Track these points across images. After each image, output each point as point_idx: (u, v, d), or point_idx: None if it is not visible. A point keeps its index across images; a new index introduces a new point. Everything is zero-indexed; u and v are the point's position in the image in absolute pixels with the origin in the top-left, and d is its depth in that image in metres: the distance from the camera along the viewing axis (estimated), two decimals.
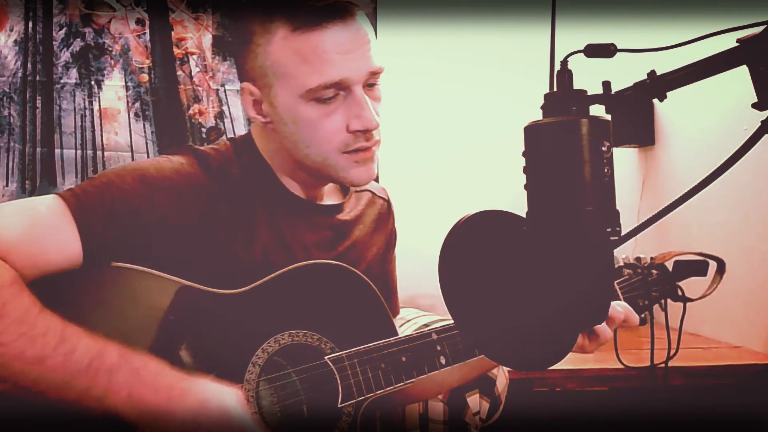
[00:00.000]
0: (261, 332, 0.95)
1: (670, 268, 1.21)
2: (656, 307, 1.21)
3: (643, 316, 1.17)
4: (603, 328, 1.03)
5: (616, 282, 1.15)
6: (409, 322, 1.61)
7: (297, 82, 0.93)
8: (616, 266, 1.20)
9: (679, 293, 1.20)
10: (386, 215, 1.21)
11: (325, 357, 0.95)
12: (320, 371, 0.95)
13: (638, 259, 1.22)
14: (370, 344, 0.98)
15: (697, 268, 1.19)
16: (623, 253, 1.23)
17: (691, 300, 1.19)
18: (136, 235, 0.87)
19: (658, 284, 1.19)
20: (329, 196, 1.12)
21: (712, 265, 1.20)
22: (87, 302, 0.86)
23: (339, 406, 0.94)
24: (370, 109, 0.95)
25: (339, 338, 0.99)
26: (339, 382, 0.94)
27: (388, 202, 1.23)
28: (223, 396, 0.82)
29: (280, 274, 0.97)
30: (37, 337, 0.75)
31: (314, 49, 0.92)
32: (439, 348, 1.03)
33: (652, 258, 1.23)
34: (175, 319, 0.88)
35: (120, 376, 0.77)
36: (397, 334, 1.05)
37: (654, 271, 1.20)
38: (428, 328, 1.06)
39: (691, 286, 1.21)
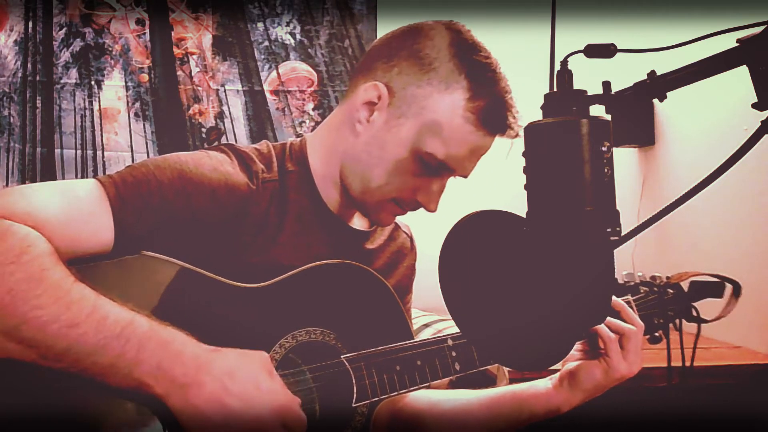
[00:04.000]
0: (279, 327, 0.96)
1: (686, 289, 1.19)
2: (670, 327, 1.19)
3: (657, 334, 1.16)
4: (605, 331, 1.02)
5: (632, 298, 1.14)
6: None
7: (427, 135, 0.97)
8: (632, 283, 1.19)
9: (694, 314, 1.18)
10: (408, 251, 1.21)
11: (342, 356, 0.96)
12: (336, 370, 0.96)
13: (653, 277, 1.20)
14: (387, 346, 0.99)
15: (713, 289, 1.17)
16: (639, 271, 1.22)
17: (706, 321, 1.17)
18: (167, 228, 0.89)
19: (673, 304, 1.17)
20: (358, 219, 1.13)
21: (728, 287, 1.18)
22: (111, 284, 0.86)
23: (353, 405, 0.94)
24: (438, 201, 1.02)
25: (355, 338, 1.00)
26: (354, 381, 0.94)
27: (411, 238, 1.23)
28: (252, 363, 0.83)
29: (301, 272, 0.98)
30: (73, 302, 0.76)
31: (465, 135, 0.96)
32: (454, 354, 1.03)
33: (668, 277, 1.21)
34: (195, 309, 0.89)
35: (149, 346, 0.78)
36: (413, 338, 1.05)
37: (670, 290, 1.18)
38: (442, 334, 1.06)
39: (704, 307, 1.19)
